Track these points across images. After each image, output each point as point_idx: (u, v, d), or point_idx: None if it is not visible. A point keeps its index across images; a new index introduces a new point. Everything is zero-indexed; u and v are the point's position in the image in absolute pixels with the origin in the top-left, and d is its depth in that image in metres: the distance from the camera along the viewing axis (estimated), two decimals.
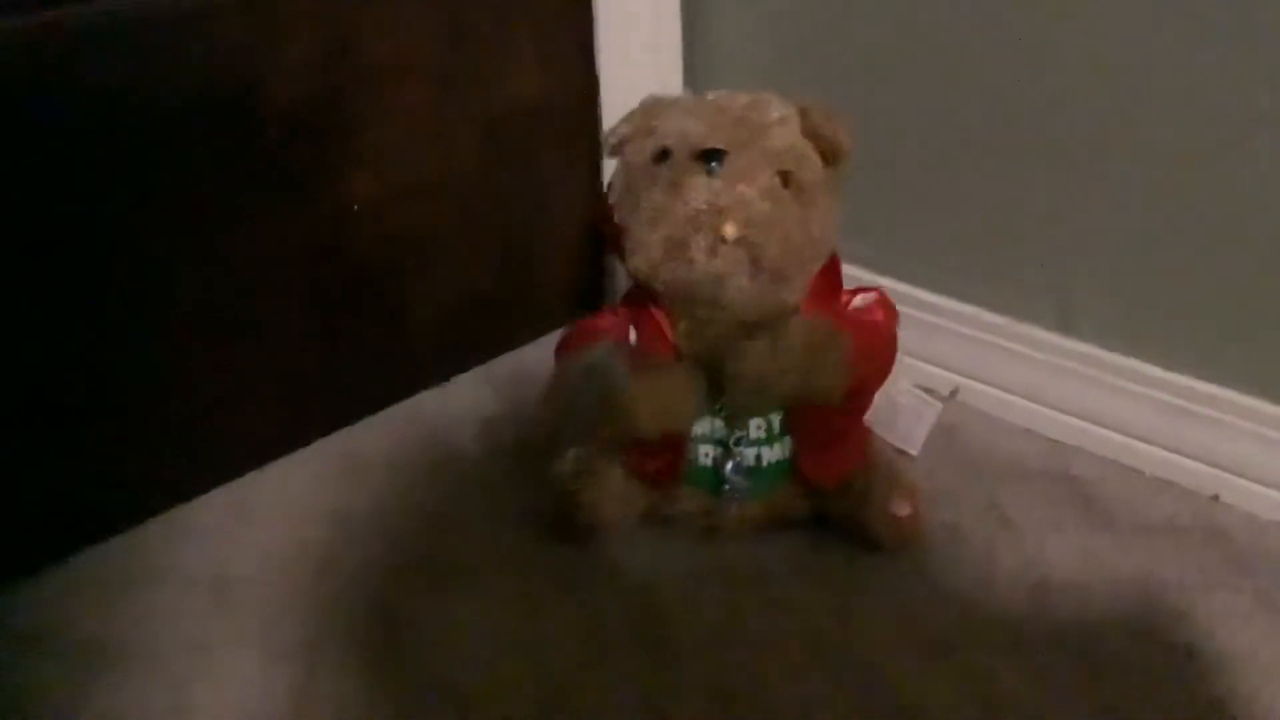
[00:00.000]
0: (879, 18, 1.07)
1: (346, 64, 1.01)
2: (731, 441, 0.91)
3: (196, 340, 0.99)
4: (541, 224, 1.23)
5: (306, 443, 1.09)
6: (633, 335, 0.94)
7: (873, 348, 0.92)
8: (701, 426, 0.91)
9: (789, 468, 0.92)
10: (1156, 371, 1.01)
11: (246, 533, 0.98)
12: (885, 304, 0.96)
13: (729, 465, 0.91)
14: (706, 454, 0.92)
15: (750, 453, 0.91)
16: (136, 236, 0.93)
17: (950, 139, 1.06)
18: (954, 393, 1.12)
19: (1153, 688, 0.81)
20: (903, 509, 0.91)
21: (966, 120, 1.05)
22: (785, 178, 0.86)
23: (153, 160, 0.92)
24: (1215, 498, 0.99)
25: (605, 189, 0.93)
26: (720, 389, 0.89)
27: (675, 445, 0.91)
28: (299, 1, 0.96)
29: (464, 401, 1.16)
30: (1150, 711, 0.79)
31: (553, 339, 0.97)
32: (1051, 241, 1.04)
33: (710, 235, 0.83)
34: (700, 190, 0.84)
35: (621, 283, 1.06)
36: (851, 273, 1.08)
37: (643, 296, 0.92)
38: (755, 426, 0.91)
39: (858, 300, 0.95)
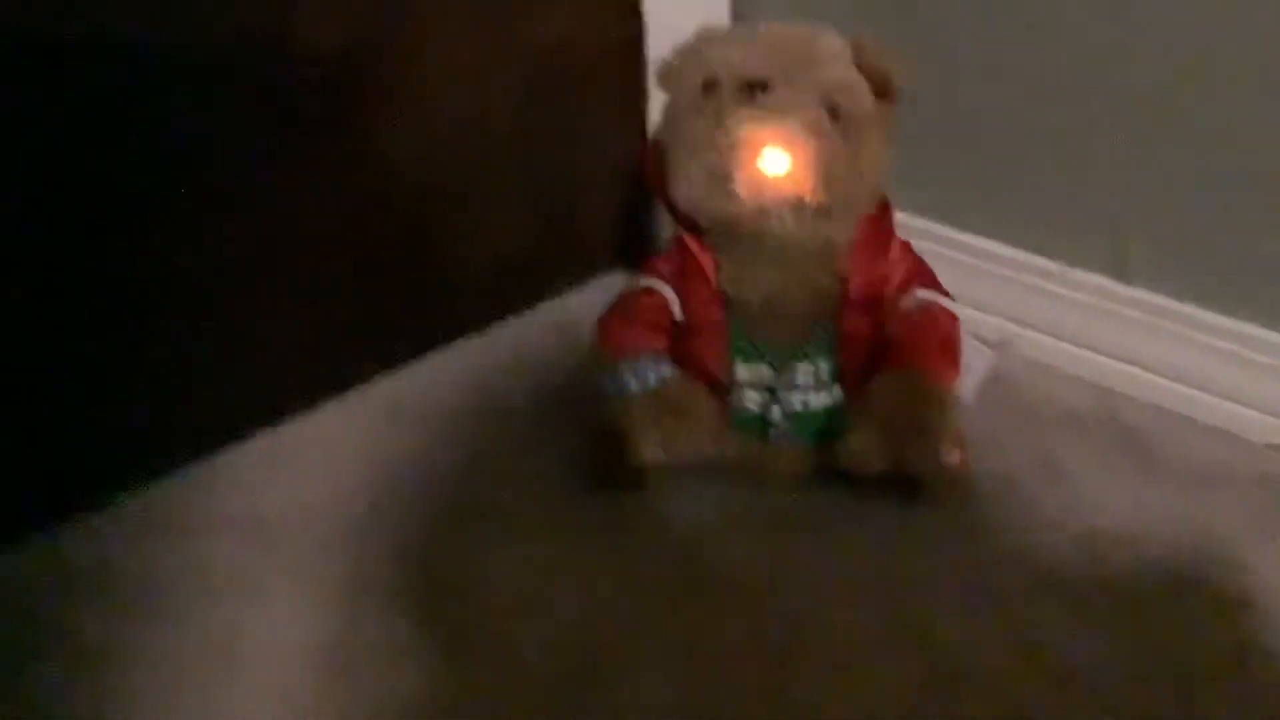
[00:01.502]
0: None
1: (382, 6, 1.00)
2: (779, 387, 0.90)
3: (238, 287, 0.99)
4: (586, 170, 1.22)
5: (348, 389, 1.09)
6: (676, 309, 0.94)
7: (955, 358, 0.92)
8: (748, 373, 0.91)
9: (837, 414, 0.91)
10: (1211, 317, 0.99)
11: (290, 477, 0.99)
12: (941, 290, 0.94)
13: (774, 410, 0.90)
14: (752, 399, 0.91)
15: (797, 399, 0.90)
16: (174, 183, 0.93)
17: (1005, 82, 1.04)
18: (1007, 340, 1.11)
19: (1205, 638, 0.80)
20: (951, 456, 0.90)
21: (1023, 64, 1.03)
22: (834, 112, 0.84)
23: (186, 104, 0.92)
24: (1271, 446, 0.97)
25: (651, 131, 0.93)
26: (765, 333, 0.90)
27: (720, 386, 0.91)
28: None
29: (506, 349, 1.16)
30: (1202, 662, 0.78)
31: (595, 288, 0.96)
32: (1107, 187, 1.02)
33: (752, 168, 0.82)
34: (744, 121, 0.83)
35: (666, 229, 1.05)
36: (903, 219, 1.07)
37: (687, 240, 0.92)
38: (803, 373, 0.90)
39: (912, 299, 0.92)
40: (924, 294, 0.92)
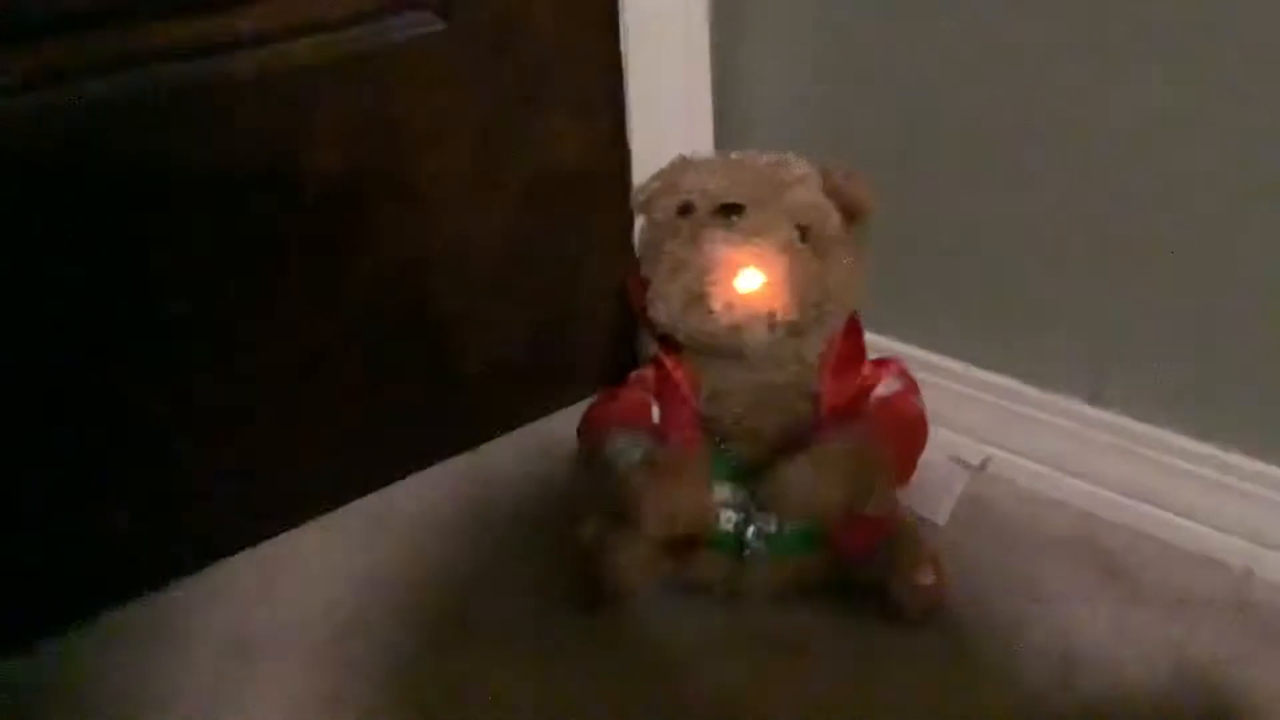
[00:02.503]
0: (907, 94, 1.08)
1: (382, 132, 1.03)
2: (754, 507, 0.91)
3: (231, 404, 1.01)
4: (573, 293, 1.23)
5: (338, 505, 1.10)
6: (655, 414, 0.95)
7: (912, 444, 0.94)
8: (723, 492, 0.91)
9: (811, 534, 0.92)
10: (1188, 443, 0.99)
11: (275, 593, 0.99)
12: (912, 386, 0.96)
13: (750, 531, 0.91)
14: (728, 519, 0.92)
15: (771, 519, 0.91)
16: (177, 298, 0.95)
17: (982, 210, 1.06)
18: (984, 463, 1.11)
19: None
20: (926, 578, 0.90)
21: (998, 191, 1.05)
22: (804, 233, 0.87)
23: (193, 224, 0.95)
24: (1248, 571, 0.97)
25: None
26: (740, 452, 0.91)
27: None
28: (335, 72, 0.98)
29: (493, 468, 1.17)
30: None
31: (581, 409, 0.98)
32: (1083, 313, 1.03)
33: (727, 287, 0.85)
34: (718, 243, 0.85)
35: (650, 350, 1.07)
36: (882, 342, 1.09)
37: (665, 360, 0.93)
38: None
39: (883, 388, 0.95)
40: (894, 384, 0.95)
